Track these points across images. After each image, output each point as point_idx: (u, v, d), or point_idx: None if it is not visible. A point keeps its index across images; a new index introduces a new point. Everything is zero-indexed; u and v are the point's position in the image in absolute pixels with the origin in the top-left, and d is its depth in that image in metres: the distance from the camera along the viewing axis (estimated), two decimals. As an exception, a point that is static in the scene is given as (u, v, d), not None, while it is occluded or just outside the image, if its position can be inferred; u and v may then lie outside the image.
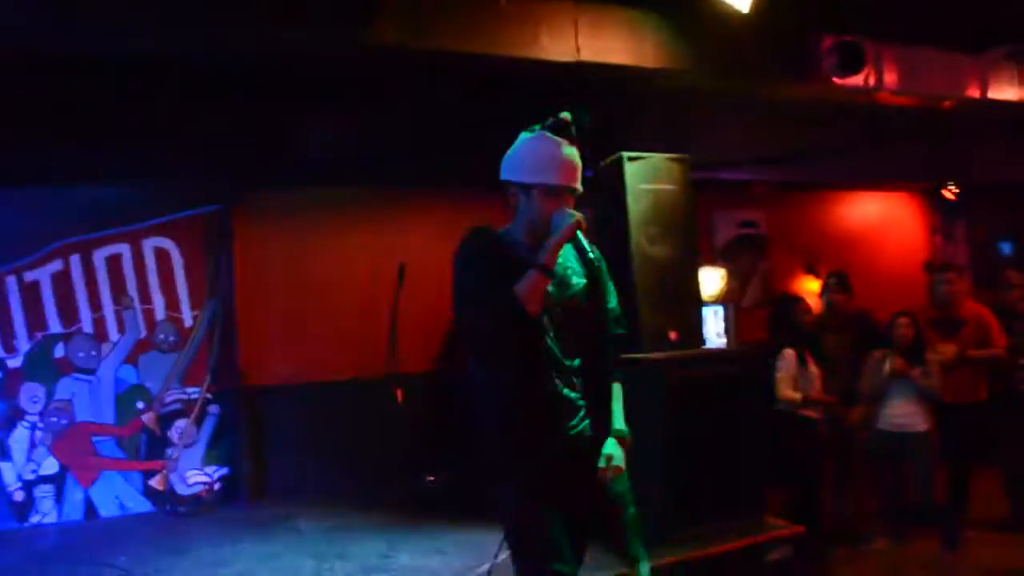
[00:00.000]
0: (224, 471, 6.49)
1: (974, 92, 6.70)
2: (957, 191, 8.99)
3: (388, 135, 6.49)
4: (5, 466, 6.03)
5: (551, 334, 2.54)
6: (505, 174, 2.61)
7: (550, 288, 2.50)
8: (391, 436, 6.15)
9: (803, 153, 7.45)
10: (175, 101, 5.85)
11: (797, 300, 5.50)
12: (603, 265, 2.66)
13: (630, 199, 4.97)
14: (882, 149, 7.54)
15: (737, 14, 5.27)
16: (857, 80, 6.29)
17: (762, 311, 7.62)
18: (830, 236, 8.96)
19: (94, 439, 6.23)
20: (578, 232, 2.52)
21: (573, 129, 2.57)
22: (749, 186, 8.15)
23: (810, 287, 8.37)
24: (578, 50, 5.50)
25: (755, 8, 5.25)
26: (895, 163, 8.27)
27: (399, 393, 6.10)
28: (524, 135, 2.63)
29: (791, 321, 5.30)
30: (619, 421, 2.69)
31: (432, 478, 6.44)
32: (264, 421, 6.58)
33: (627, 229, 4.95)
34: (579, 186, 2.60)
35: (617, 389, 2.73)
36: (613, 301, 2.72)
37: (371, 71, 5.80)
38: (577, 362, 2.59)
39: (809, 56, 6.15)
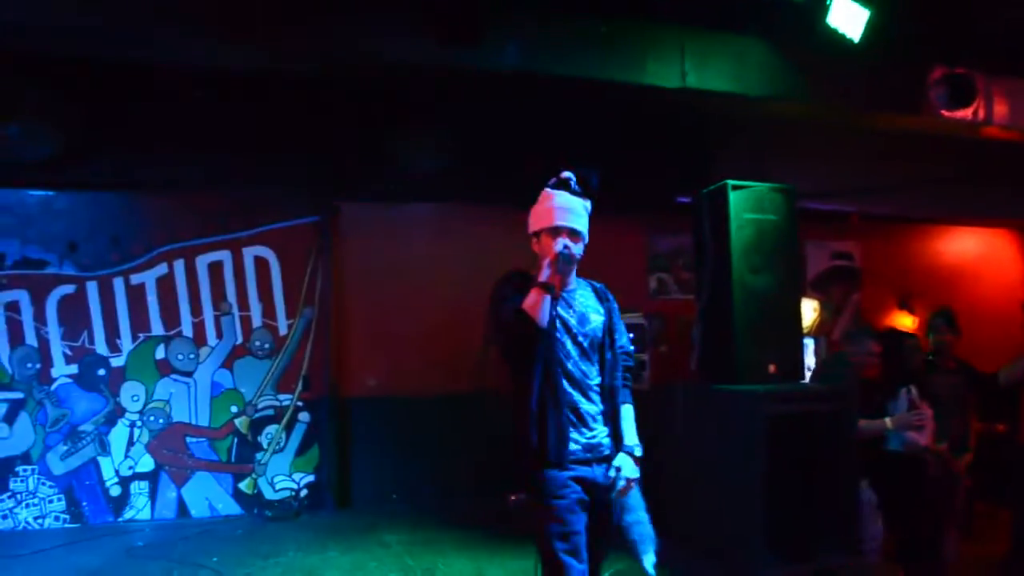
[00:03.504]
0: (310, 478, 6.60)
1: (1087, 129, 6.46)
2: (1058, 229, 8.69)
3: (485, 153, 6.55)
4: (104, 461, 6.25)
5: (575, 357, 3.00)
6: (528, 229, 3.13)
7: (572, 321, 3.00)
8: (476, 453, 6.16)
9: (903, 185, 7.28)
10: (282, 113, 6.04)
11: (908, 336, 5.25)
12: (615, 307, 3.17)
13: (733, 228, 4.91)
14: (981, 184, 7.32)
15: (846, 43, 5.21)
16: (966, 113, 6.13)
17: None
18: (925, 271, 8.73)
19: (188, 440, 6.41)
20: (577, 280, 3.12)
21: (572, 183, 3.10)
22: (843, 217, 7.99)
23: (904, 322, 8.17)
24: (683, 76, 5.48)
25: (864, 38, 5.18)
26: (993, 198, 8.03)
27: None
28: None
29: (903, 359, 5.07)
30: (630, 437, 3.06)
31: (514, 497, 6.44)
32: (351, 431, 6.68)
33: (728, 258, 4.91)
34: (572, 224, 3.03)
35: (628, 410, 3.12)
36: (624, 338, 3.18)
37: (474, 91, 5.86)
38: (595, 381, 3.04)
39: (917, 88, 6.02)
